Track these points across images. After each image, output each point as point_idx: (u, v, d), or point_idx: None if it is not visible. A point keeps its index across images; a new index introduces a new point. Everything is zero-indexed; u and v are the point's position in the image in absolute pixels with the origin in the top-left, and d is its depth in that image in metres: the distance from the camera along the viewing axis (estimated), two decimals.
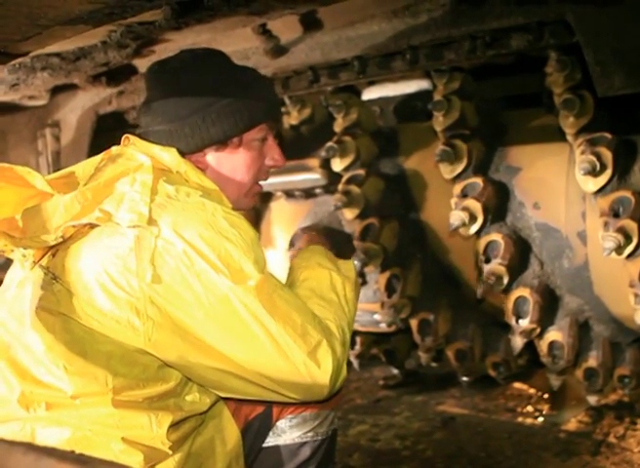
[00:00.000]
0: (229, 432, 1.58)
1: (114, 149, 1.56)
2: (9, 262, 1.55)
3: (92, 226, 1.39)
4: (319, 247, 1.77)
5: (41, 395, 1.36)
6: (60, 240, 1.39)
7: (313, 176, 2.85)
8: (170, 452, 1.41)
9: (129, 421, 1.37)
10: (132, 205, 1.36)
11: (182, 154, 1.52)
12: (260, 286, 1.39)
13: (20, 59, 2.11)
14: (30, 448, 0.77)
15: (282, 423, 1.68)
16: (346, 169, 2.72)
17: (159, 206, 1.37)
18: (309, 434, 1.69)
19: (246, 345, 1.39)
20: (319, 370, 1.45)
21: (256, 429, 1.64)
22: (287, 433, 1.68)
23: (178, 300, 1.34)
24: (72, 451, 0.79)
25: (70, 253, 1.40)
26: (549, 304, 2.43)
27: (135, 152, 1.50)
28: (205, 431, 1.55)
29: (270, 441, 1.69)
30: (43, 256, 1.45)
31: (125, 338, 1.35)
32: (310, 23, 2.42)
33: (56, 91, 2.89)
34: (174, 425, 1.43)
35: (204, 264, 1.34)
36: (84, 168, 1.55)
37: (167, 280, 1.33)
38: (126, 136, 1.56)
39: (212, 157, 1.59)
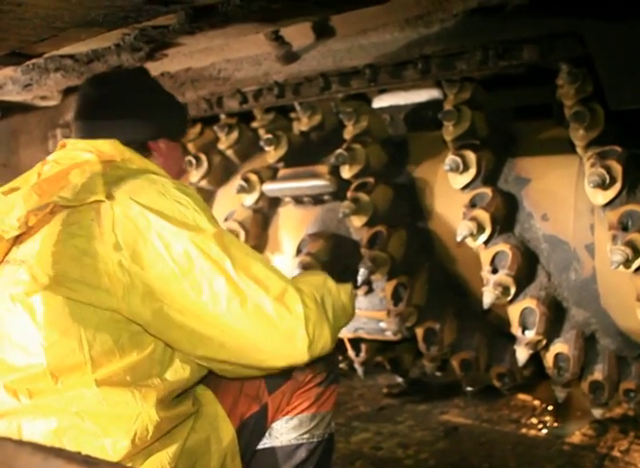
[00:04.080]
0: (224, 430, 1.60)
1: (50, 157, 1.65)
2: None
3: (52, 213, 1.47)
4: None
5: (21, 381, 1.39)
6: (25, 228, 1.46)
7: (322, 183, 2.85)
8: (162, 430, 1.43)
9: (113, 398, 1.39)
10: (87, 188, 1.46)
11: (141, 142, 1.71)
12: (219, 235, 1.47)
13: (33, 60, 2.12)
14: (38, 448, 0.77)
15: (278, 425, 1.70)
16: (355, 176, 2.72)
17: (112, 184, 1.48)
18: (305, 436, 1.70)
19: (213, 296, 1.43)
20: (290, 314, 1.47)
21: (251, 428, 1.66)
22: (283, 435, 1.70)
23: (142, 260, 1.41)
24: (79, 453, 0.79)
25: (36, 238, 1.46)
26: (556, 316, 2.42)
27: (76, 151, 1.60)
28: (200, 429, 1.56)
29: (266, 442, 1.71)
30: (9, 252, 1.50)
31: (99, 303, 1.40)
32: (323, 31, 2.43)
33: (68, 92, 2.91)
34: (163, 403, 1.44)
35: (162, 222, 1.43)
36: (26, 178, 1.61)
37: (130, 243, 1.41)
38: (62, 141, 1.69)
39: (164, 145, 1.78)
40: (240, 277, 1.45)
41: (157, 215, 1.44)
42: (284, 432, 1.69)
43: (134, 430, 1.39)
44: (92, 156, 1.56)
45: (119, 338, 1.42)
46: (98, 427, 1.37)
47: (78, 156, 1.58)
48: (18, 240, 1.50)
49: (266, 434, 1.70)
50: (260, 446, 1.70)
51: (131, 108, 1.72)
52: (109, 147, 1.61)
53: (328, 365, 1.75)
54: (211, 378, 1.69)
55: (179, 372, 1.50)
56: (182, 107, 1.94)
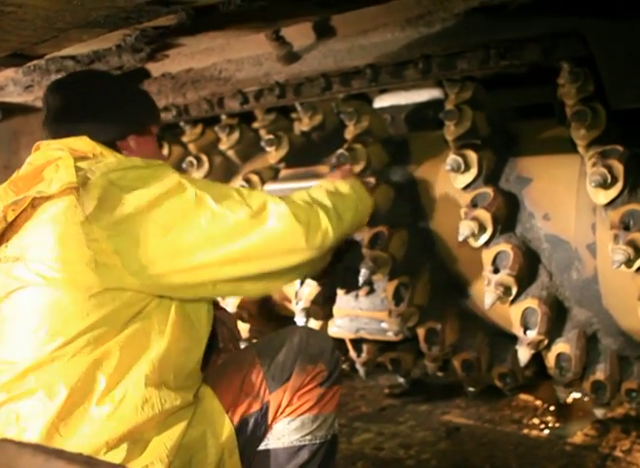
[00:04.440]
0: (222, 426, 1.61)
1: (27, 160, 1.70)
2: None
3: (34, 207, 1.52)
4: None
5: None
6: (4, 223, 1.52)
7: None
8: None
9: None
10: (61, 178, 1.51)
11: (110, 142, 1.72)
12: (188, 179, 1.57)
13: (34, 61, 2.12)
14: (39, 448, 0.77)
15: (280, 426, 1.70)
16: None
17: (85, 172, 1.53)
18: (308, 437, 1.70)
19: (212, 225, 1.51)
20: (277, 215, 1.56)
21: (251, 427, 1.66)
22: (285, 436, 1.70)
23: (130, 226, 1.47)
24: (80, 454, 0.79)
25: (23, 234, 1.52)
26: (557, 316, 2.42)
27: (50, 151, 1.64)
28: (196, 424, 1.58)
29: (269, 443, 1.71)
30: None
31: (105, 282, 1.45)
32: (324, 31, 2.43)
33: None
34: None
35: (132, 183, 1.51)
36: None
37: (116, 214, 1.47)
38: (36, 144, 1.73)
39: (133, 142, 1.79)
40: (217, 206, 1.53)
41: (128, 180, 1.51)
42: (286, 433, 1.69)
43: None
44: (64, 153, 1.60)
45: (120, 315, 1.48)
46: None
47: (51, 155, 1.62)
48: (3, 239, 1.55)
49: (268, 435, 1.70)
50: (263, 447, 1.70)
51: (93, 111, 1.74)
52: (81, 144, 1.66)
53: (329, 364, 1.75)
54: (210, 376, 1.70)
55: (158, 305, 1.54)
56: (147, 98, 1.92)
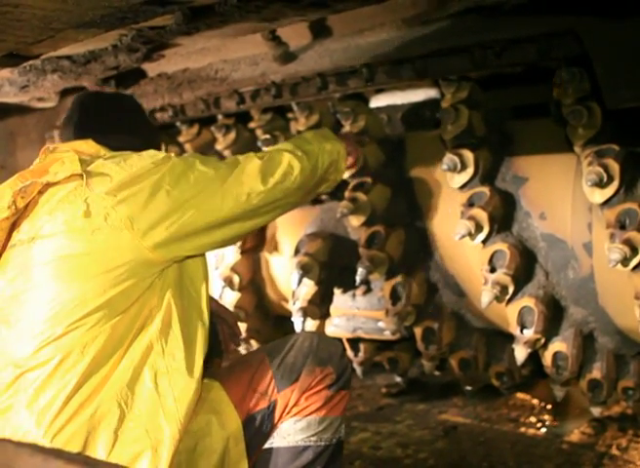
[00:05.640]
0: (228, 415, 1.65)
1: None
2: None
3: (40, 193, 1.62)
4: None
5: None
6: (14, 210, 1.59)
7: None
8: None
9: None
10: (67, 169, 1.61)
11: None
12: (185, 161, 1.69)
13: (30, 62, 2.12)
14: (37, 449, 0.77)
15: (286, 425, 1.72)
16: (353, 176, 2.72)
17: (89, 163, 1.63)
18: (313, 438, 1.72)
19: (188, 188, 1.63)
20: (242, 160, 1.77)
21: (258, 424, 1.69)
22: (290, 435, 1.72)
23: (136, 192, 1.57)
24: (79, 453, 0.79)
25: (33, 217, 1.61)
26: (554, 315, 2.43)
27: (56, 153, 1.72)
28: (201, 411, 1.62)
29: (274, 442, 1.72)
30: (9, 238, 1.64)
31: (117, 247, 1.54)
32: (320, 31, 2.43)
33: (65, 93, 2.90)
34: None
35: (133, 161, 1.62)
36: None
37: (121, 184, 1.56)
38: (45, 147, 1.78)
39: None
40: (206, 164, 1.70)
41: (135, 163, 1.61)
42: (291, 433, 1.71)
43: None
44: (69, 153, 1.67)
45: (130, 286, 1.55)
46: None
47: (57, 155, 1.70)
48: (15, 225, 1.63)
49: (274, 434, 1.72)
50: (267, 445, 1.72)
51: (121, 123, 1.85)
52: (86, 146, 1.72)
53: (337, 368, 1.77)
54: (218, 373, 1.76)
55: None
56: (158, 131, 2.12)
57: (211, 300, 1.78)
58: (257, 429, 1.68)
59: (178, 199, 1.59)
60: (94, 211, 1.53)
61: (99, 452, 1.36)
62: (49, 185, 1.61)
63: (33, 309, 1.52)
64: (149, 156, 1.65)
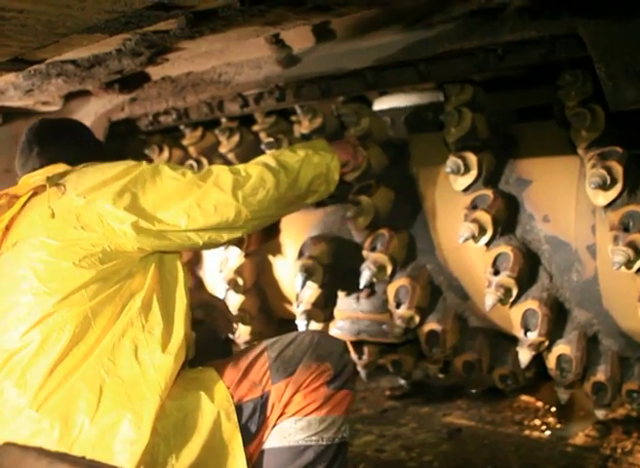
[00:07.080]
0: (218, 392, 1.70)
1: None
2: None
3: (23, 206, 1.82)
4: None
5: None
6: (6, 208, 1.80)
7: None
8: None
9: None
10: (39, 180, 1.83)
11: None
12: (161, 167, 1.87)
13: (35, 66, 2.13)
14: (43, 453, 0.78)
15: (286, 424, 1.72)
16: (357, 179, 2.72)
17: (61, 175, 1.86)
18: (314, 438, 1.72)
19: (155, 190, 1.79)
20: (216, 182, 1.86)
21: (249, 412, 1.72)
22: (291, 435, 1.72)
23: (104, 190, 1.76)
24: (83, 457, 0.79)
25: (19, 224, 1.80)
26: (558, 317, 2.42)
27: (30, 179, 1.91)
28: (191, 387, 1.69)
29: (274, 442, 1.72)
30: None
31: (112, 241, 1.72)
32: (323, 34, 2.43)
33: (69, 97, 2.92)
34: None
35: (103, 168, 1.84)
36: None
37: (92, 184, 1.77)
38: (20, 180, 1.98)
39: None
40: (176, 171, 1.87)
41: (104, 168, 1.83)
42: (292, 432, 1.71)
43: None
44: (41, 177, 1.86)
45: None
46: None
47: (32, 182, 1.88)
48: (5, 235, 1.81)
49: (274, 433, 1.72)
50: (268, 445, 1.72)
51: (79, 143, 2.06)
52: (60, 169, 1.89)
53: (336, 365, 1.78)
54: (213, 361, 1.80)
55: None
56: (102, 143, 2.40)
57: (200, 291, 1.88)
58: (248, 418, 1.70)
59: (143, 202, 1.76)
60: (67, 211, 1.73)
61: (82, 418, 1.46)
62: (32, 196, 1.82)
63: (17, 299, 1.68)
64: (122, 164, 1.84)
